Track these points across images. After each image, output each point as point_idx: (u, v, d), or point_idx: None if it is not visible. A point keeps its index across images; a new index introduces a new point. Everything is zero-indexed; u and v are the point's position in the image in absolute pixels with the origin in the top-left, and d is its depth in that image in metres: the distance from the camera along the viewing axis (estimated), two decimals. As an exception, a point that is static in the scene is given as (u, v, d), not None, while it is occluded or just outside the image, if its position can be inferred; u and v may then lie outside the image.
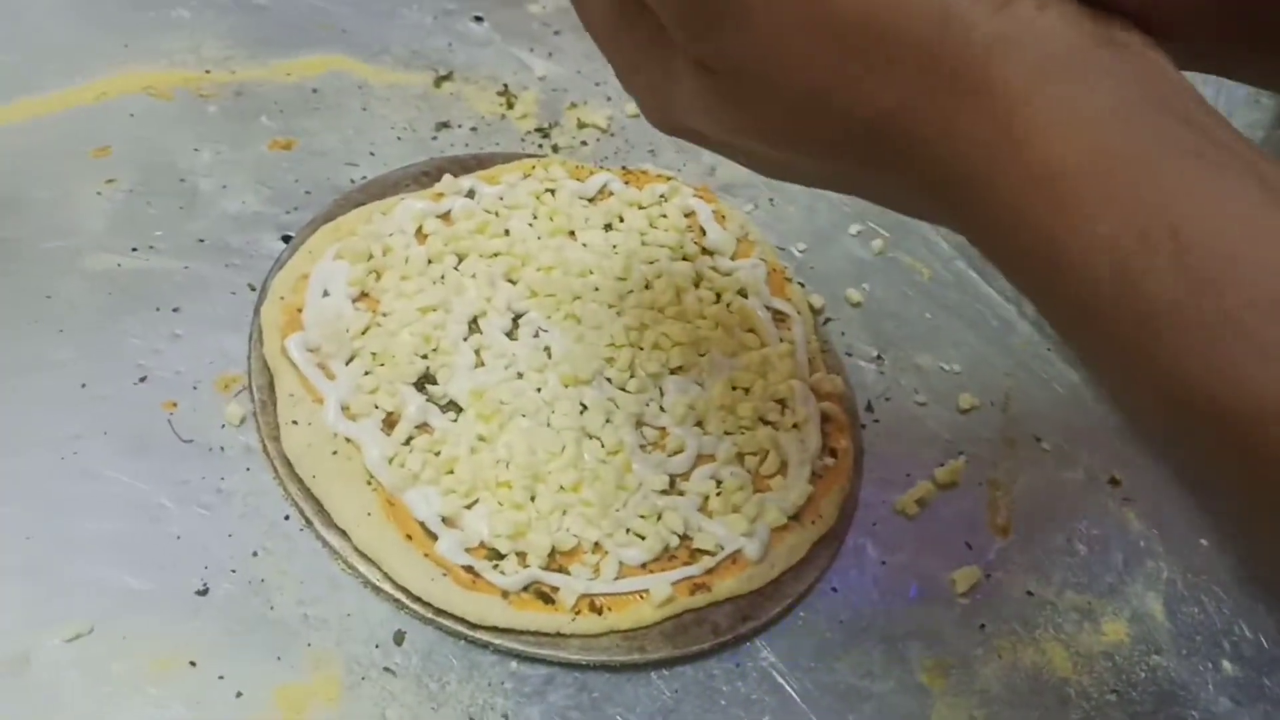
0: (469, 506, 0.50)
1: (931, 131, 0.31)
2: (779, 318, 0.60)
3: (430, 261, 0.56)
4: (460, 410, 0.52)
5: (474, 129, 0.65)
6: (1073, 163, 0.29)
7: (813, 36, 0.31)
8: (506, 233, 0.58)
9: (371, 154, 0.62)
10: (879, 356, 0.63)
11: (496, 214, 0.59)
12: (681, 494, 0.53)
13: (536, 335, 0.56)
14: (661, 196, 0.62)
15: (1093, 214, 0.28)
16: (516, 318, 0.56)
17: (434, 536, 0.48)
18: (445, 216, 0.58)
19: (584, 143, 0.67)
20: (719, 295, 0.59)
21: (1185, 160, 0.28)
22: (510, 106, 0.67)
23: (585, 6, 0.38)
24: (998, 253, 0.32)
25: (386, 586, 0.48)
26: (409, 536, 0.48)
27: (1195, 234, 0.27)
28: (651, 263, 0.59)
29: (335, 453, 0.49)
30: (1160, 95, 0.30)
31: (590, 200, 0.61)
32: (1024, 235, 0.30)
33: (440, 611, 0.48)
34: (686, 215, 0.62)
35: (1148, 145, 0.29)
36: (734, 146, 0.37)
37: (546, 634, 0.48)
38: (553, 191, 0.61)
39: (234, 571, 0.47)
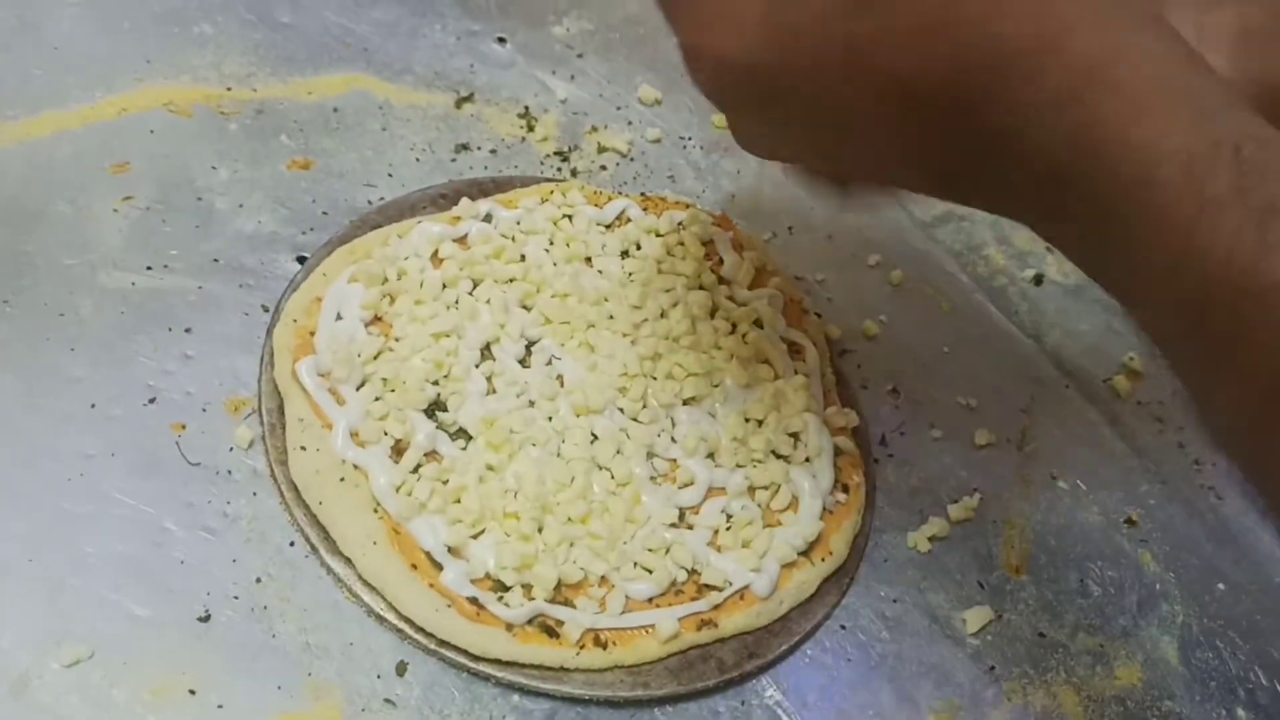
0: (475, 536, 0.49)
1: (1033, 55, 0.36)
2: (794, 349, 0.59)
3: (445, 286, 0.56)
4: (470, 438, 0.52)
5: (493, 151, 0.65)
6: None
7: None
8: (522, 258, 0.58)
9: (390, 175, 0.62)
10: (895, 389, 0.62)
11: (513, 239, 0.59)
12: (690, 528, 0.52)
13: (549, 363, 0.55)
14: (680, 224, 0.62)
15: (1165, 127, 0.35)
16: (530, 345, 0.56)
17: (439, 566, 0.48)
18: (462, 240, 0.58)
19: (603, 167, 0.66)
20: (734, 325, 0.59)
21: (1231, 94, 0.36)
22: (530, 129, 0.67)
23: None
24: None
25: (390, 616, 0.48)
26: (414, 566, 0.48)
27: (1250, 148, 0.34)
28: (667, 291, 0.59)
29: (343, 479, 0.49)
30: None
31: (607, 226, 0.61)
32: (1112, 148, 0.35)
33: (443, 643, 0.47)
34: (704, 243, 0.61)
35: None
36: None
37: (550, 668, 0.48)
38: (570, 217, 0.60)
39: (236, 598, 0.47)
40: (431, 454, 0.51)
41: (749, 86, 0.41)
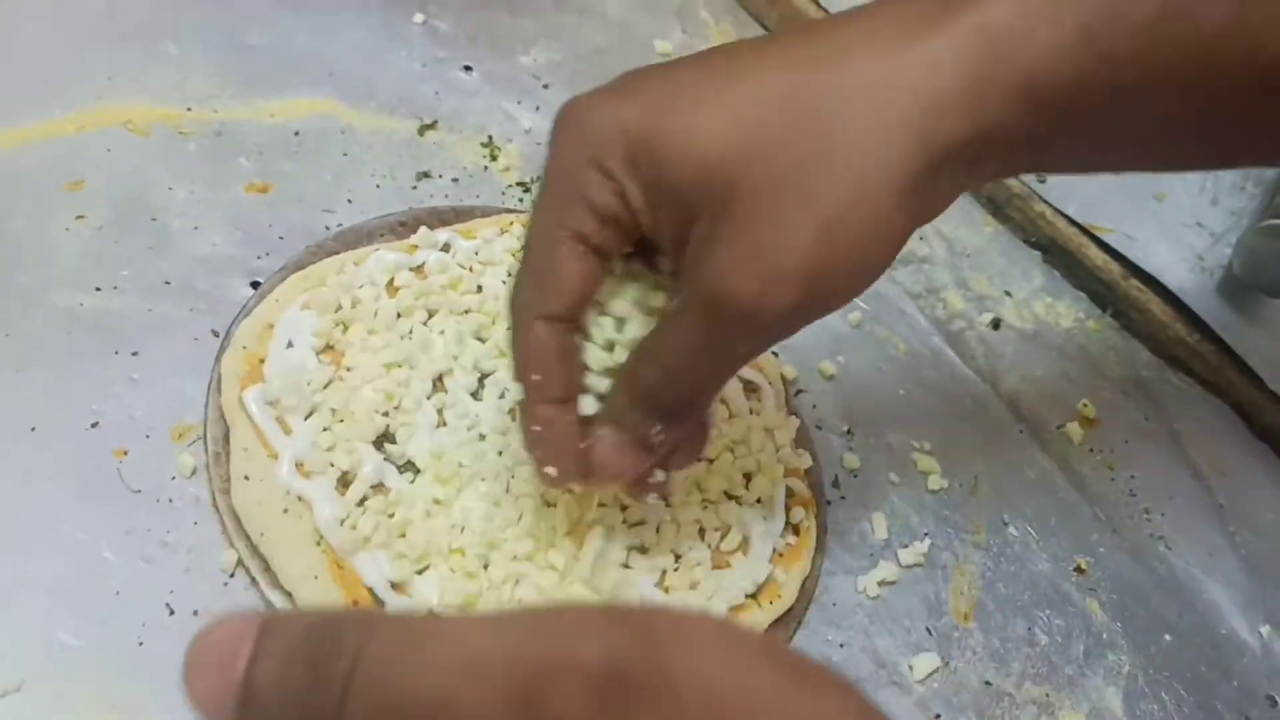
0: (420, 572, 0.49)
1: None
2: (750, 388, 0.59)
3: (399, 315, 0.56)
4: (418, 471, 0.51)
5: (455, 179, 0.65)
6: None
7: None
8: (479, 289, 0.58)
9: (349, 201, 0.62)
10: (849, 431, 0.62)
11: (470, 269, 0.58)
12: (639, 568, 0.52)
13: (502, 396, 0.55)
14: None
15: None
16: (483, 377, 0.55)
17: (382, 603, 0.48)
18: (419, 270, 0.58)
19: (565, 198, 0.66)
20: (690, 363, 0.58)
21: None
22: (494, 158, 0.67)
23: None
24: None
25: (329, 651, 0.47)
26: (355, 601, 0.47)
27: None
28: (623, 328, 0.58)
29: (286, 511, 0.49)
30: None
31: (566, 260, 0.61)
32: None
33: (382, 680, 0.47)
34: (662, 279, 0.61)
35: None
36: None
37: (490, 707, 0.47)
38: (528, 249, 0.60)
39: (172, 630, 0.46)
40: (378, 486, 0.50)
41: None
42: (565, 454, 0.45)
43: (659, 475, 0.48)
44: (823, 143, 0.38)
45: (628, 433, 0.44)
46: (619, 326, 0.45)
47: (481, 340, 0.56)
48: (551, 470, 0.46)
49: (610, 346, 0.45)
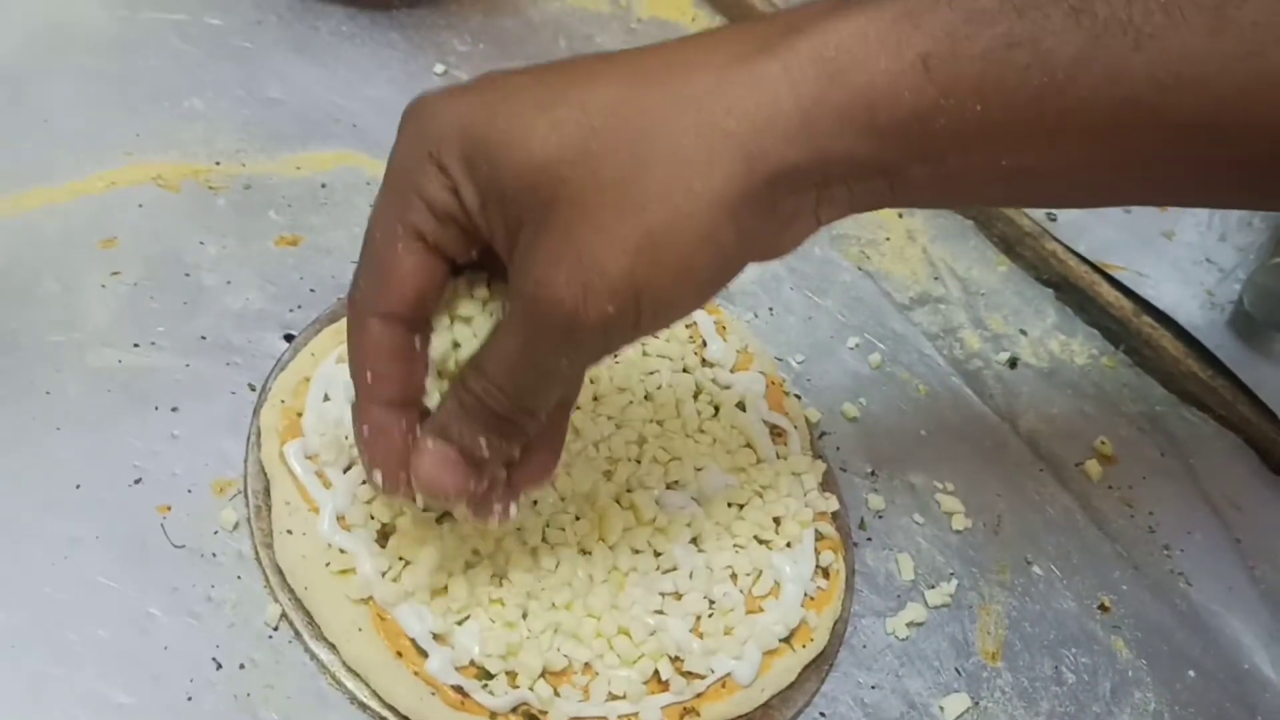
0: (460, 623, 0.49)
1: None
2: (776, 432, 0.60)
3: (432, 365, 0.56)
4: (456, 522, 0.52)
5: (479, 229, 0.66)
6: None
7: None
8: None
9: (377, 252, 0.62)
10: (873, 473, 0.63)
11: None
12: (673, 614, 0.53)
13: (534, 445, 0.56)
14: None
15: None
16: (515, 427, 0.56)
17: (424, 654, 0.48)
18: (448, 320, 0.59)
19: (588, 246, 0.67)
20: (717, 409, 0.59)
21: None
22: (516, 207, 0.67)
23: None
24: None
25: (374, 704, 0.48)
26: (399, 653, 0.48)
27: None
28: (652, 374, 0.59)
29: (328, 564, 0.49)
30: None
31: (592, 308, 0.62)
32: None
33: (427, 731, 0.47)
34: (688, 326, 0.62)
35: None
36: None
37: (532, 756, 0.48)
38: (555, 298, 0.61)
39: (220, 685, 0.46)
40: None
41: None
42: (393, 462, 0.44)
43: (508, 506, 0.47)
44: (646, 155, 0.38)
45: (454, 445, 0.43)
46: (463, 333, 0.45)
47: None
48: (378, 477, 0.45)
49: (453, 351, 0.44)
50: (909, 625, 0.58)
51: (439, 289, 0.44)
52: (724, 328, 0.63)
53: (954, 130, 0.39)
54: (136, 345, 0.55)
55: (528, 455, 0.46)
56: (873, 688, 0.56)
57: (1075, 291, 0.75)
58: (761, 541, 0.56)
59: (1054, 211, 0.76)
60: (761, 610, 0.54)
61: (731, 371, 0.62)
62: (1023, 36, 0.38)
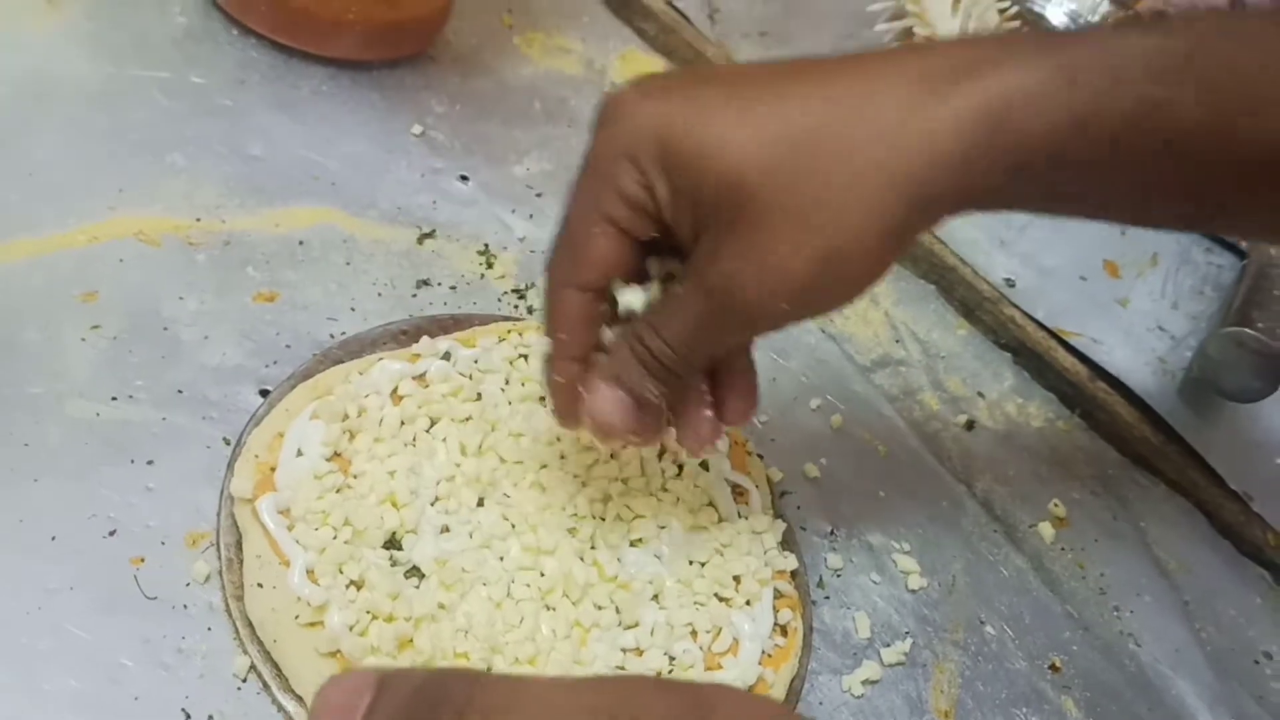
0: (426, 676, 0.50)
1: None
2: (738, 492, 0.62)
3: (403, 424, 0.58)
4: (423, 576, 0.53)
5: (453, 287, 0.67)
6: None
7: None
8: (479, 396, 0.60)
9: (352, 309, 0.64)
10: (832, 532, 0.65)
11: (470, 377, 0.61)
12: (634, 670, 0.54)
13: (501, 502, 0.57)
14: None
15: None
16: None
17: (390, 707, 0.49)
18: (421, 378, 0.60)
19: (559, 305, 0.69)
20: (681, 468, 0.61)
21: None
22: (489, 266, 0.69)
23: None
24: None
25: (339, 756, 0.49)
26: (365, 706, 0.49)
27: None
28: (617, 433, 0.61)
29: (297, 617, 0.50)
30: None
31: (561, 367, 0.63)
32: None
33: (391, 784, 0.48)
34: (654, 385, 0.64)
35: None
36: None
37: (494, 810, 0.49)
38: (525, 357, 0.63)
39: (190, 737, 0.48)
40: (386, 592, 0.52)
41: None
42: (574, 403, 0.51)
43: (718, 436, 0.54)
44: (834, 181, 0.44)
45: (623, 389, 0.50)
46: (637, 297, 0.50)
47: (481, 451, 0.58)
48: (565, 416, 0.53)
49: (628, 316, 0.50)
50: (864, 683, 0.59)
51: (624, 265, 0.49)
52: (689, 388, 0.65)
53: (1079, 171, 0.46)
54: (115, 398, 0.56)
55: (728, 398, 0.54)
56: (828, 744, 0.57)
57: (1032, 356, 0.77)
58: (721, 599, 0.57)
59: (1012, 278, 0.79)
60: (720, 667, 0.55)
61: (696, 431, 0.63)
62: (1160, 99, 0.44)
